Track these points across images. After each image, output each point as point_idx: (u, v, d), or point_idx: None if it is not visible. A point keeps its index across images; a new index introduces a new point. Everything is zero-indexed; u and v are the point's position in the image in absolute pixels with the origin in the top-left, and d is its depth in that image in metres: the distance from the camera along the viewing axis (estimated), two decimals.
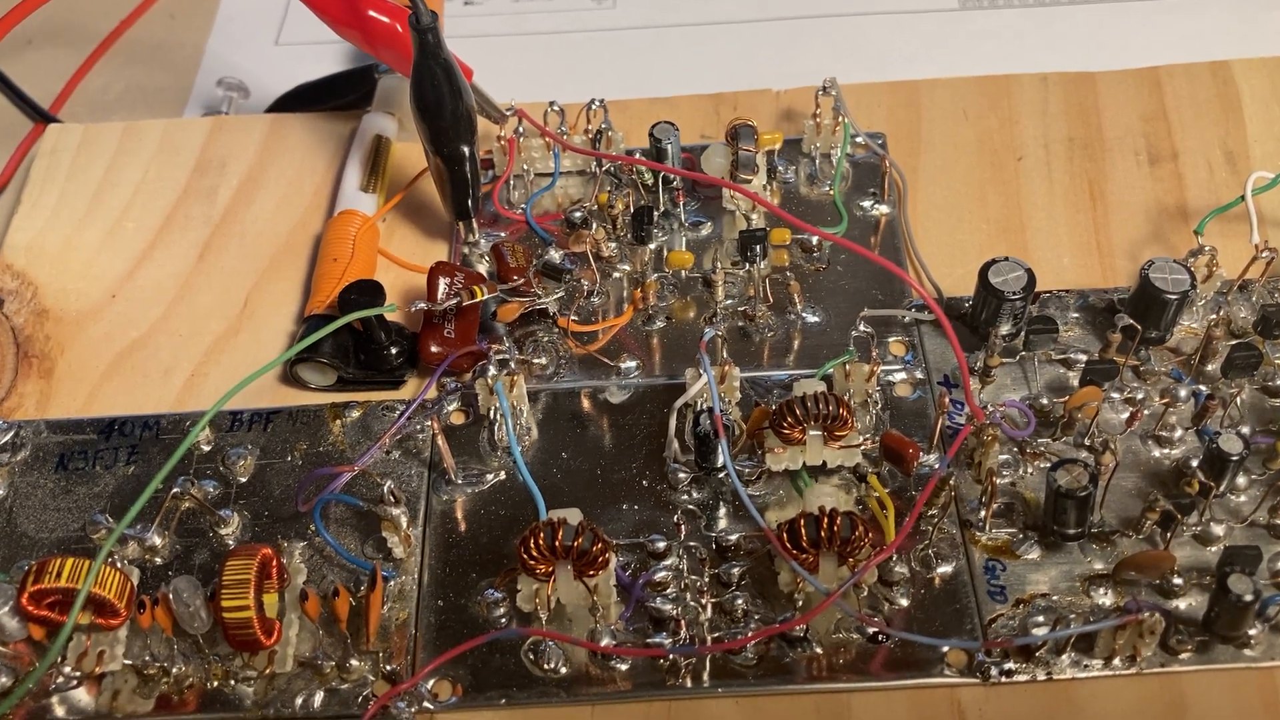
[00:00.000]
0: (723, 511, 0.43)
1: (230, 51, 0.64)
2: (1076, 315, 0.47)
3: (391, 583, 0.41)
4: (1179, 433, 0.43)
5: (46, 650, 0.40)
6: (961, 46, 0.60)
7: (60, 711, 0.40)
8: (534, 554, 0.38)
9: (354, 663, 0.40)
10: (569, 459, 0.45)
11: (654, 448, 0.44)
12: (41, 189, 0.55)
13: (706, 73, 0.60)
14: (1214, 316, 0.45)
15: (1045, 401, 0.44)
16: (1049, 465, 0.42)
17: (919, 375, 0.46)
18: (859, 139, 0.52)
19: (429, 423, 0.45)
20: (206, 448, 0.45)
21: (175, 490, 0.43)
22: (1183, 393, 0.44)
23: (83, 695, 0.40)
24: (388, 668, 0.40)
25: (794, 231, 0.48)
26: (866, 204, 0.51)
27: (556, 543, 0.38)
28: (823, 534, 0.38)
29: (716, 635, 0.40)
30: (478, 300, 0.45)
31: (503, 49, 0.60)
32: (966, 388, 0.41)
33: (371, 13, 0.48)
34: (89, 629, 0.40)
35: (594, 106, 0.51)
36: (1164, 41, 0.59)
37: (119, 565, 0.41)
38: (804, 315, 0.47)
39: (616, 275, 0.49)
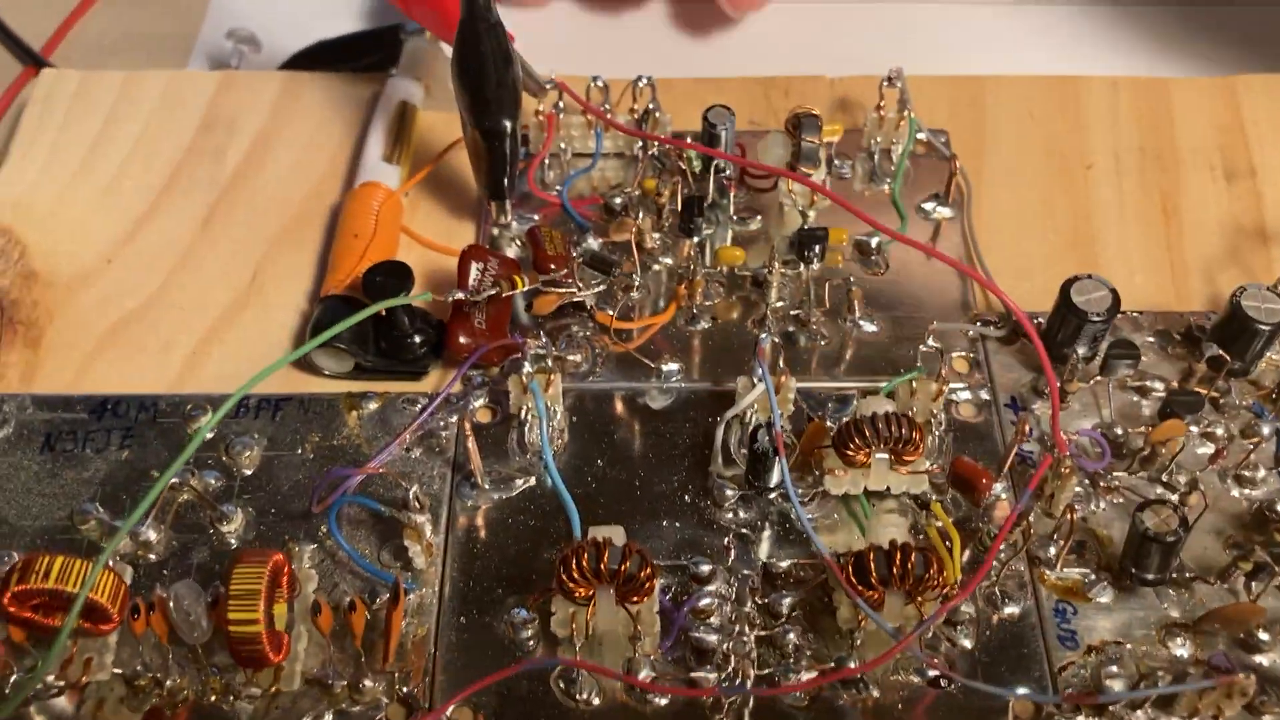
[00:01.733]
0: (769, 534, 0.40)
1: (239, 2, 0.60)
2: (1151, 339, 0.44)
3: (410, 595, 0.38)
4: (1261, 473, 0.40)
5: (25, 654, 0.36)
6: (1018, 43, 0.57)
7: None
8: (575, 577, 0.35)
9: (367, 683, 0.36)
10: (604, 466, 0.41)
11: (697, 460, 0.41)
12: (33, 140, 0.50)
13: (752, 54, 0.56)
14: None
15: (1119, 431, 0.41)
16: (1125, 501, 0.40)
17: (984, 396, 0.42)
18: (923, 136, 0.49)
19: (454, 420, 0.41)
20: (209, 435, 0.41)
21: (174, 481, 0.40)
22: (1266, 430, 0.41)
23: (63, 704, 0.36)
24: (404, 690, 0.36)
25: (870, 234, 0.45)
26: (928, 206, 0.48)
27: (601, 566, 0.35)
28: (894, 571, 0.34)
29: (765, 672, 0.36)
30: (516, 291, 0.41)
31: (541, 18, 0.56)
32: (1055, 414, 0.38)
33: None
34: (76, 633, 0.36)
35: (641, 84, 0.48)
36: (1235, 52, 0.56)
37: (111, 564, 0.37)
38: (860, 323, 0.44)
39: (657, 269, 0.46)
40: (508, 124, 0.43)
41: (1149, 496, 0.39)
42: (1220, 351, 0.40)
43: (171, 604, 0.35)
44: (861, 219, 0.41)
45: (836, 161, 0.48)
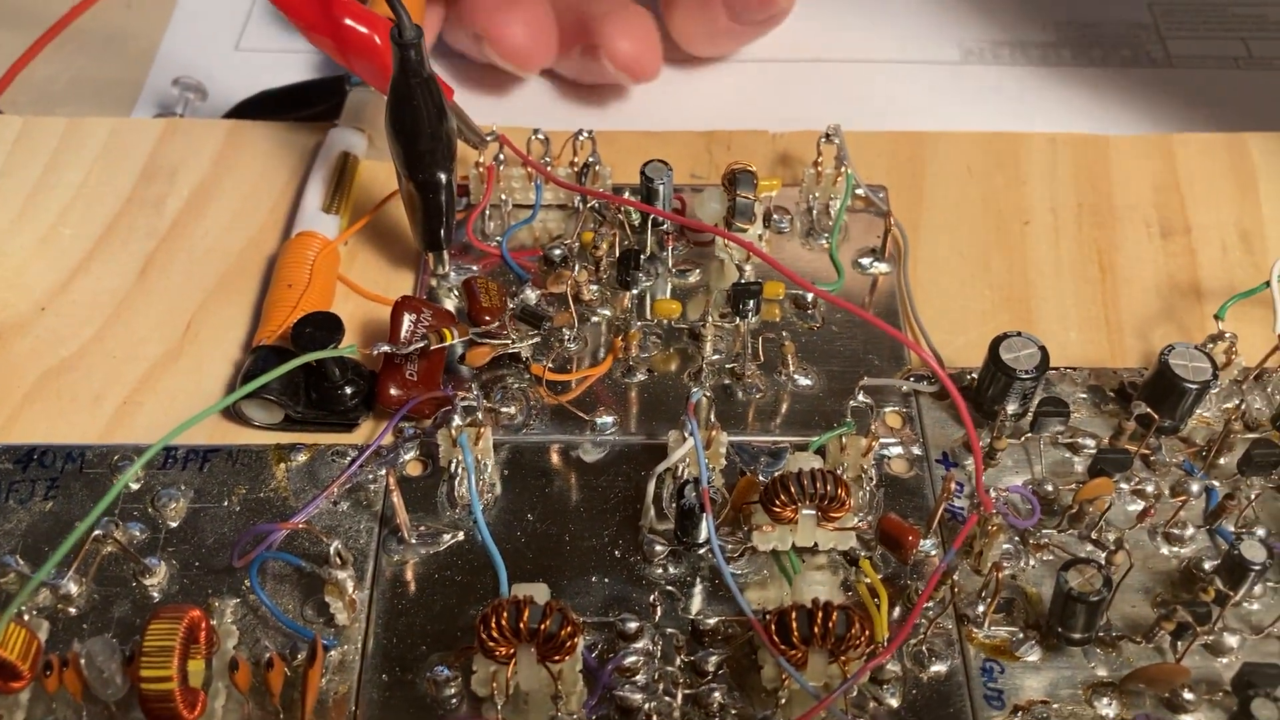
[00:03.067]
0: (699, 590, 0.39)
1: (187, 52, 0.60)
2: (1084, 395, 0.44)
3: (332, 652, 0.37)
4: (1190, 530, 0.40)
5: None
6: (961, 101, 0.57)
7: None
8: (495, 635, 0.34)
9: None
10: (535, 521, 0.41)
11: (628, 514, 0.41)
12: None
13: (697, 110, 0.56)
14: (1230, 407, 0.42)
15: (1049, 488, 0.41)
16: (1054, 559, 0.39)
17: (916, 451, 0.42)
18: (861, 192, 0.49)
19: (383, 473, 0.41)
20: (135, 486, 0.41)
21: (97, 533, 0.39)
22: (1195, 487, 0.41)
23: None
24: None
25: (789, 288, 0.45)
26: (864, 261, 0.48)
27: (521, 624, 0.34)
28: (816, 630, 0.34)
29: None
30: (446, 344, 0.41)
31: (483, 72, 0.56)
32: (978, 472, 0.38)
33: (348, 20, 0.44)
34: None
35: (582, 138, 0.48)
36: (1173, 110, 0.56)
37: (25, 619, 0.36)
38: (795, 377, 0.44)
39: (595, 320, 0.46)
40: (442, 176, 0.43)
41: (1078, 554, 0.39)
42: (1148, 410, 0.41)
43: (84, 661, 0.35)
44: (789, 277, 0.41)
45: (775, 216, 0.49)
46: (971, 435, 0.38)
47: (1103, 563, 0.37)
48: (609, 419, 0.43)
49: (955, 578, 0.38)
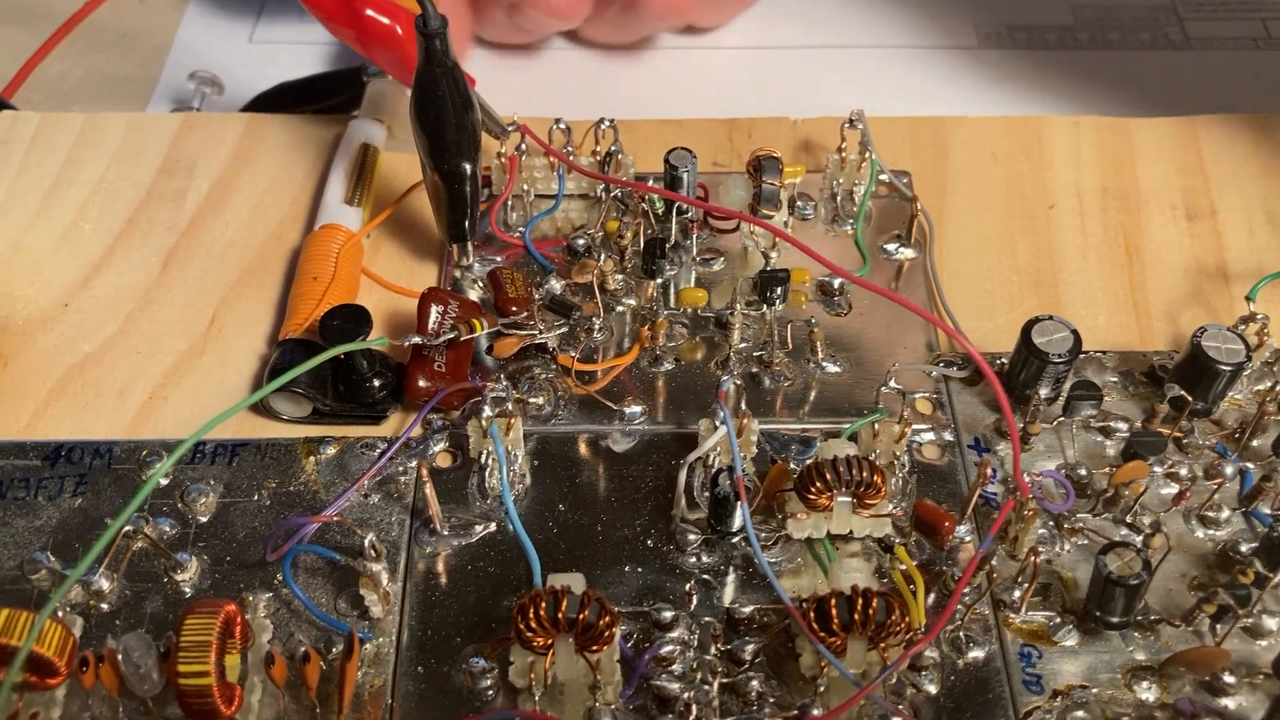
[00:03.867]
0: (733, 578, 0.39)
1: (201, 46, 0.59)
2: (1115, 379, 0.43)
3: (367, 645, 0.37)
4: (1225, 513, 0.40)
5: None
6: (979, 86, 0.57)
7: None
8: (533, 626, 0.34)
9: None
10: (566, 512, 0.41)
11: (659, 504, 0.41)
12: None
13: (716, 98, 0.56)
14: (1263, 388, 0.42)
15: (1083, 472, 0.41)
16: (1088, 544, 0.39)
17: (948, 437, 0.42)
18: (885, 177, 0.49)
19: (413, 464, 0.41)
20: (164, 481, 0.41)
21: (127, 529, 0.39)
22: (1229, 470, 0.41)
23: None
24: None
25: (816, 274, 0.45)
26: (890, 247, 0.48)
27: (559, 614, 0.34)
28: (855, 617, 0.34)
29: (731, 719, 0.36)
30: (475, 335, 0.41)
31: (503, 61, 0.56)
32: (1016, 456, 0.38)
33: (369, 12, 0.44)
34: (21, 687, 0.35)
35: (604, 126, 0.48)
36: (1193, 93, 0.56)
37: (60, 615, 0.36)
38: (823, 364, 0.44)
39: (620, 310, 0.46)
40: (467, 167, 0.42)
41: (1113, 538, 0.39)
42: (1182, 392, 0.40)
43: (121, 656, 0.34)
44: (819, 261, 0.40)
45: (799, 203, 0.48)
46: (1009, 419, 0.37)
47: (1140, 546, 0.36)
48: (637, 408, 0.43)
49: (993, 564, 0.37)
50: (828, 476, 0.37)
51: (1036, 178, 0.51)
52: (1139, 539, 0.39)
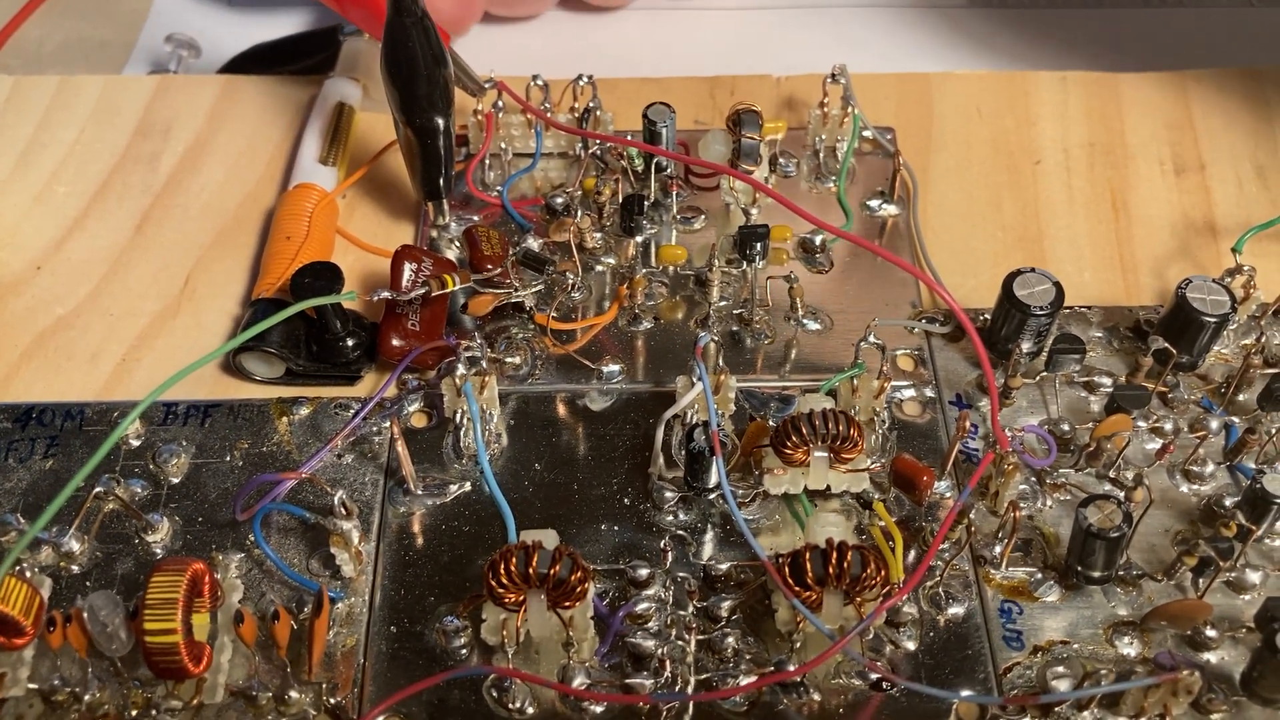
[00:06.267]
0: (710, 536, 0.39)
1: (179, 10, 0.59)
2: (1099, 334, 0.43)
3: (339, 605, 0.37)
4: (1209, 467, 0.39)
5: None
6: (967, 45, 0.56)
7: None
8: (504, 581, 0.34)
9: (293, 694, 0.35)
10: (542, 471, 0.40)
11: (636, 462, 0.40)
12: None
13: (698, 56, 0.55)
14: (1249, 342, 0.41)
15: (1066, 427, 0.40)
16: (1071, 499, 0.39)
17: (929, 393, 0.42)
18: (868, 133, 0.48)
19: (387, 424, 0.40)
20: (136, 443, 0.40)
21: (98, 490, 0.39)
22: (1214, 424, 0.40)
23: None
24: (331, 701, 0.35)
25: (815, 232, 0.44)
26: (873, 204, 0.47)
27: (530, 570, 0.33)
28: (830, 570, 0.33)
29: (703, 677, 0.35)
30: (447, 291, 0.40)
31: (482, 23, 0.55)
32: (994, 409, 0.37)
33: None
34: None
35: (582, 83, 0.47)
36: (1184, 51, 0.55)
37: (28, 575, 0.36)
38: (804, 321, 0.43)
39: (599, 269, 0.45)
40: (440, 121, 0.42)
41: (1095, 493, 0.38)
42: (1166, 345, 0.40)
43: (87, 615, 0.34)
44: (802, 216, 0.40)
45: (781, 160, 0.48)
46: (987, 372, 0.37)
47: (1121, 499, 0.36)
48: (615, 367, 0.42)
49: (971, 518, 0.37)
50: (804, 431, 0.36)
51: (1023, 134, 0.50)
52: (1121, 493, 0.38)
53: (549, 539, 0.35)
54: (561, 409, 0.42)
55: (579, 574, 0.34)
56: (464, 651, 0.36)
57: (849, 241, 0.44)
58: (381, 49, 0.40)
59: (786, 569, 0.34)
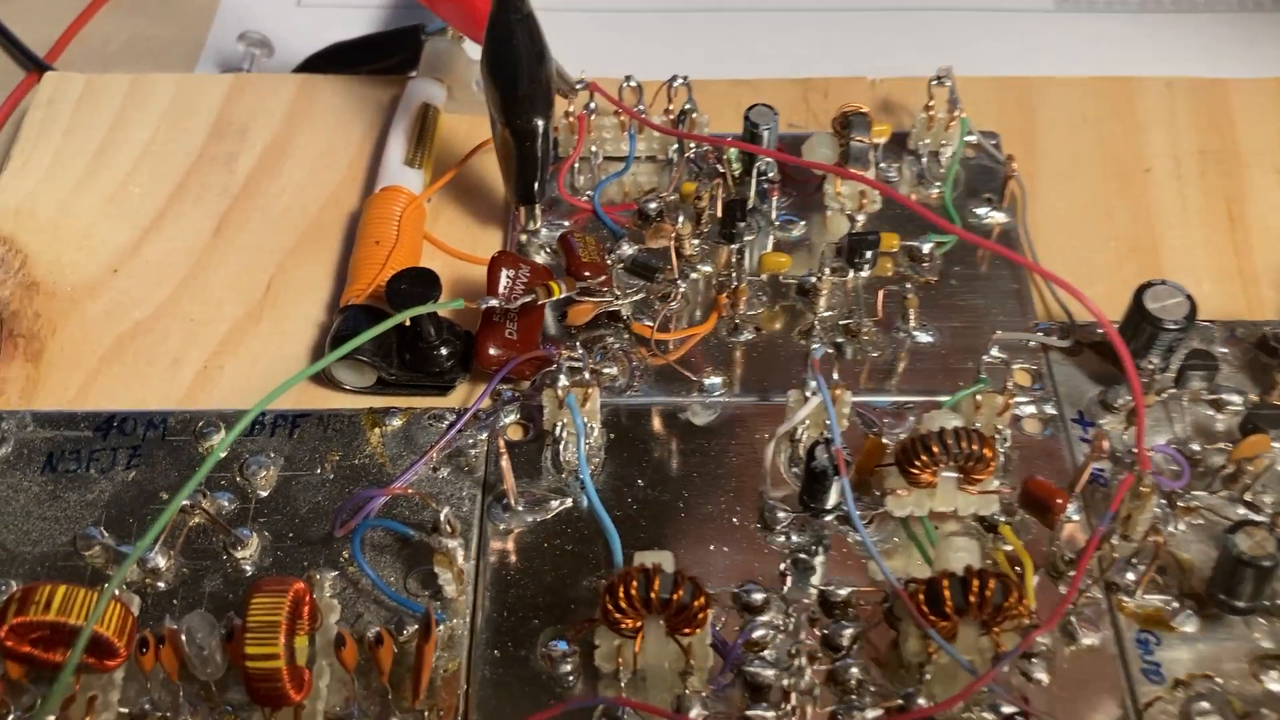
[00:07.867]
0: (822, 559, 0.37)
1: (247, 9, 0.57)
2: (1224, 350, 0.41)
3: (440, 627, 0.35)
4: None
5: (24, 692, 0.33)
6: (1058, 50, 0.54)
7: None
8: (623, 606, 0.32)
9: None
10: (645, 487, 0.38)
11: (744, 480, 0.38)
12: (35, 144, 0.48)
13: (785, 59, 0.54)
14: None
15: (1195, 447, 0.38)
16: (1205, 523, 0.37)
17: (1049, 410, 0.40)
18: (973, 138, 0.46)
19: (483, 437, 0.39)
20: (222, 454, 0.39)
21: (184, 504, 0.37)
22: None
23: None
24: None
25: (922, 240, 0.42)
26: (980, 211, 0.45)
27: (651, 594, 0.32)
28: (971, 600, 0.32)
29: (829, 709, 0.33)
30: (553, 299, 0.39)
31: (566, 20, 0.54)
32: (1140, 428, 0.35)
33: None
34: (79, 669, 0.33)
35: (676, 84, 0.45)
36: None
37: (117, 593, 0.34)
38: (914, 334, 0.41)
39: (694, 277, 0.43)
40: (540, 123, 0.40)
41: (1231, 518, 0.36)
42: None
43: (184, 637, 0.32)
44: (928, 219, 0.38)
45: (882, 165, 0.46)
46: (1135, 389, 0.35)
47: (1272, 525, 0.34)
48: (717, 380, 0.41)
49: (1113, 544, 0.35)
50: (934, 449, 0.34)
51: (1130, 140, 0.48)
52: (1264, 518, 0.36)
53: (666, 561, 0.33)
54: (660, 423, 0.40)
55: (701, 599, 0.32)
56: (571, 678, 0.34)
57: (962, 247, 0.42)
58: (484, 48, 0.39)
59: (922, 596, 0.32)
